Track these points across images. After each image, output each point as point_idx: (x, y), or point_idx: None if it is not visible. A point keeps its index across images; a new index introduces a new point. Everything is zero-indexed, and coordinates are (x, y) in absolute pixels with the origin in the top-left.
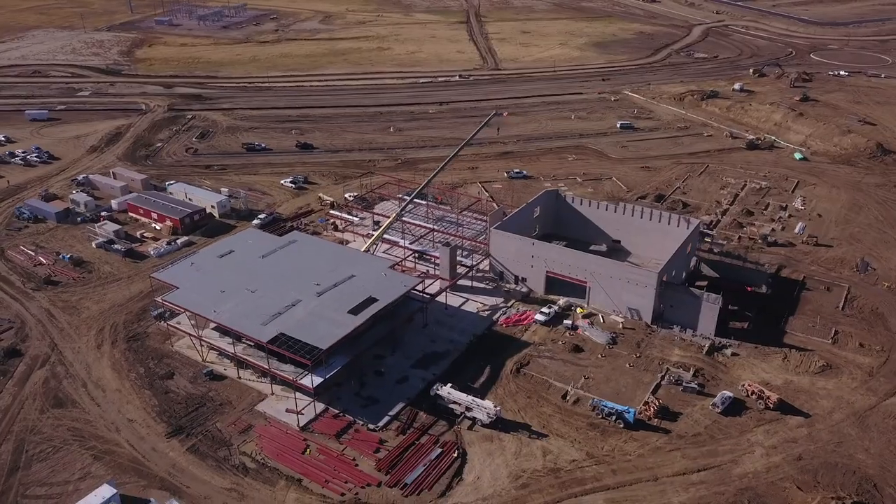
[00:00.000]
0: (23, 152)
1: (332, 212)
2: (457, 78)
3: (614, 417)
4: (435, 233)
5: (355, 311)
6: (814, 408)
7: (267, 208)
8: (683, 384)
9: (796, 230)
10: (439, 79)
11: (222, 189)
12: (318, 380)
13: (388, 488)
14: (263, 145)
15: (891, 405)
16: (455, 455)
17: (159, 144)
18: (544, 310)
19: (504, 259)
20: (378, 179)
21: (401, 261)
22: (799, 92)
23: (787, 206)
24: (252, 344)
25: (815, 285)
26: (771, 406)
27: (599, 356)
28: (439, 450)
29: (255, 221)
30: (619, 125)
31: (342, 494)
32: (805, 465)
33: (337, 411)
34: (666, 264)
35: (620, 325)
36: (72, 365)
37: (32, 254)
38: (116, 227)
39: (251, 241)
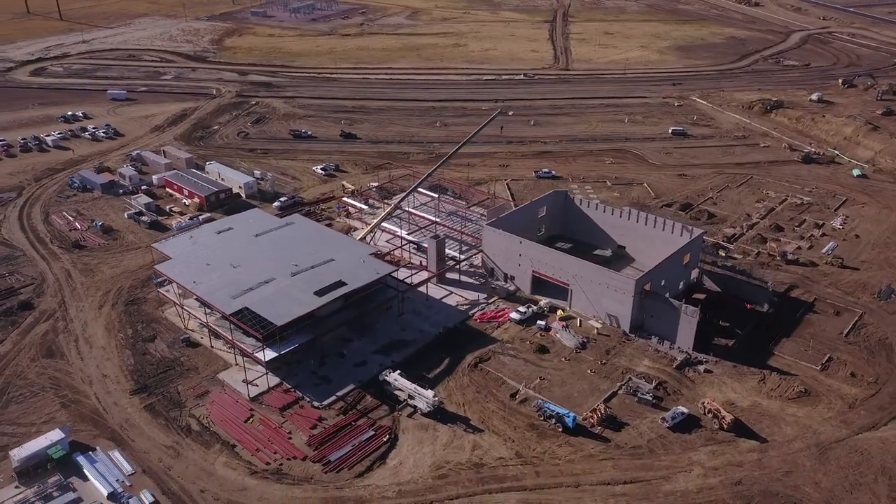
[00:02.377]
0: (93, 128)
1: (345, 199)
2: (521, 77)
3: (554, 421)
4: (438, 226)
5: (321, 292)
6: (774, 434)
7: (291, 192)
8: (639, 395)
9: (824, 250)
10: (503, 77)
11: (255, 171)
12: (271, 354)
13: (311, 463)
14: (309, 133)
15: (861, 440)
16: (385, 439)
17: (216, 127)
18: (521, 308)
19: (495, 256)
20: (399, 171)
21: (392, 250)
22: (884, 105)
23: (823, 224)
24: (221, 315)
25: (825, 308)
26: (725, 427)
27: (563, 359)
28: (372, 432)
29: (276, 203)
30: (670, 131)
31: (267, 464)
32: (742, 490)
33: (289, 387)
34: (648, 273)
35: (595, 331)
36: (72, 321)
37: (71, 219)
38: (148, 200)
39: (252, 221)
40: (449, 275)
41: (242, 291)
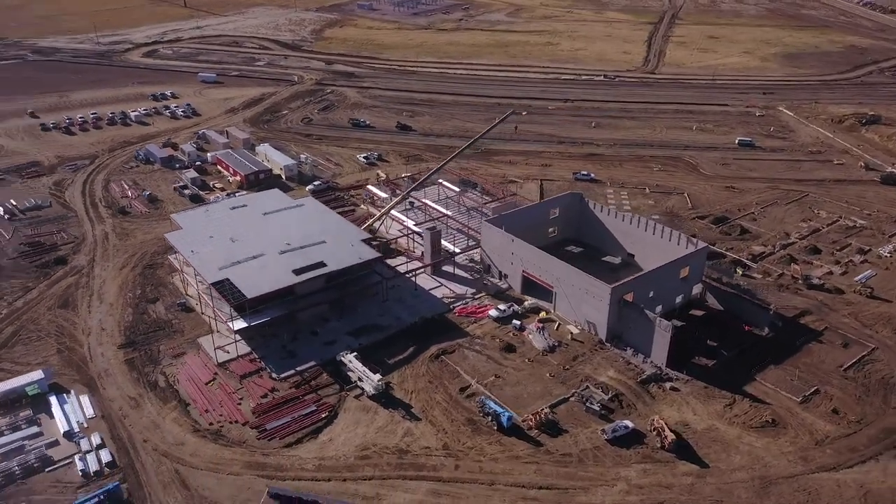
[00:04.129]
0: (175, 106)
1: (369, 186)
2: (601, 78)
3: (490, 418)
4: (449, 219)
5: (299, 271)
6: (719, 461)
7: (327, 177)
8: (587, 405)
9: (857, 277)
10: (583, 77)
11: (302, 155)
12: (241, 324)
13: (249, 429)
14: (367, 122)
15: (814, 480)
16: (323, 416)
17: (285, 112)
18: (501, 306)
19: (492, 253)
20: (430, 164)
21: (396, 238)
22: None
23: (869, 250)
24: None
25: (834, 339)
26: (666, 446)
27: (527, 360)
28: (314, 407)
29: (310, 186)
30: (737, 141)
31: (210, 424)
32: None
33: (256, 357)
34: (628, 281)
35: (570, 336)
36: (93, 279)
37: (126, 188)
38: (195, 175)
39: (266, 200)
40: (446, 268)
41: (230, 264)
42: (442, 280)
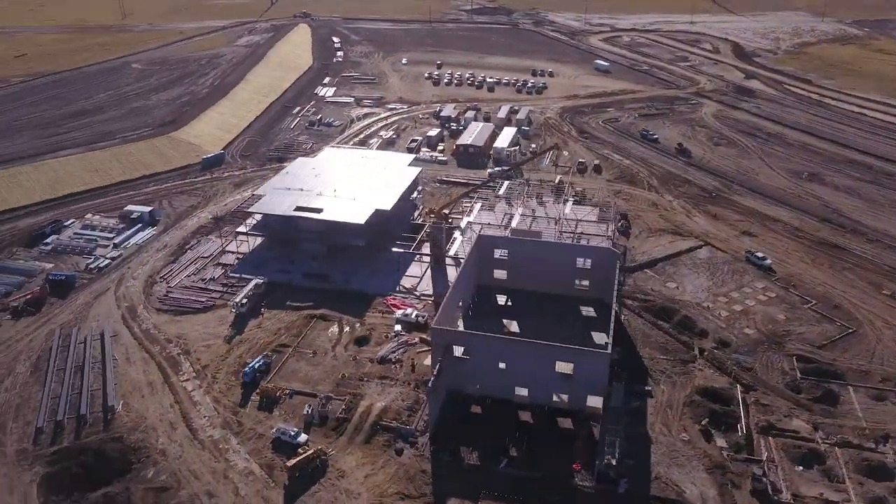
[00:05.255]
0: (533, 83)
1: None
2: None
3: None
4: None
5: (299, 209)
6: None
7: (511, 165)
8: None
9: None
10: None
11: (531, 146)
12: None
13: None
14: (654, 136)
15: None
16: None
17: (609, 110)
18: (408, 311)
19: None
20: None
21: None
22: None
23: None
24: None
25: None
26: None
27: (353, 357)
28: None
29: (489, 170)
30: None
31: None
32: None
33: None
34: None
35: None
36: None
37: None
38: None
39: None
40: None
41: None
42: (419, 273)
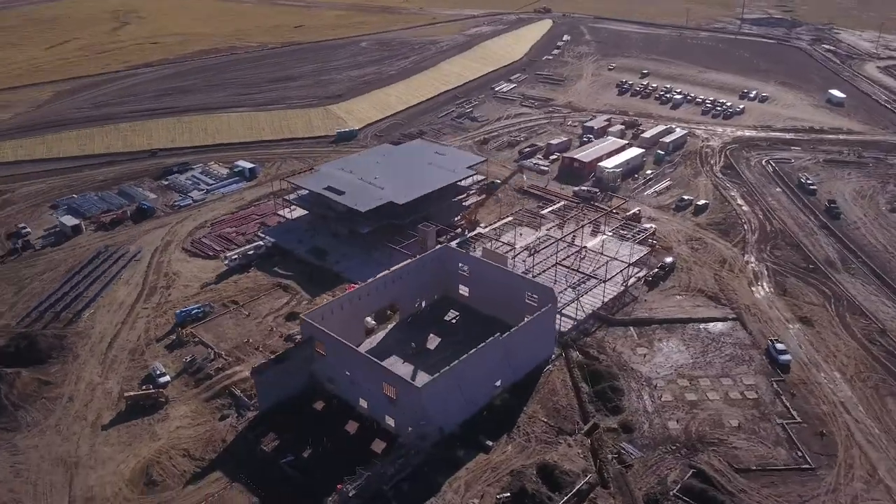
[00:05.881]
0: (722, 106)
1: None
2: None
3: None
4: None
5: (333, 191)
6: None
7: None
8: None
9: None
10: None
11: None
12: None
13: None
14: (814, 187)
15: None
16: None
17: (801, 157)
18: None
19: None
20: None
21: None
22: None
23: None
24: None
25: None
26: None
27: (271, 329)
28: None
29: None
30: None
31: None
32: None
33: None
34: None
35: None
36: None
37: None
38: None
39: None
40: None
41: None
42: None
